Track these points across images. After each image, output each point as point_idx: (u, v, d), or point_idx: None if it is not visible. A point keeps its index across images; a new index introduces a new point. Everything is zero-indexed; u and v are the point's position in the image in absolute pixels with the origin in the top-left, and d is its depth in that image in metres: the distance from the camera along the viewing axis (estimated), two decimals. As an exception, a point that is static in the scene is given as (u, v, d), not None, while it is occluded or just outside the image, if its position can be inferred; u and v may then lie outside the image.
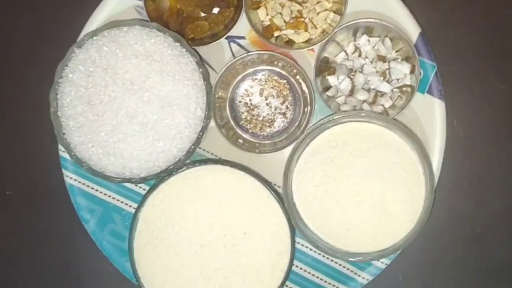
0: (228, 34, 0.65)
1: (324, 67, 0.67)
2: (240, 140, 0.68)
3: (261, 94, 0.68)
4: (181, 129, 0.62)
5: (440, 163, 0.65)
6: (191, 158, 0.64)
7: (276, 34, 0.66)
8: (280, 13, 0.66)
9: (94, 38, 0.63)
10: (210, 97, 0.64)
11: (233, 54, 0.68)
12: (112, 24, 0.63)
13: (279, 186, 0.66)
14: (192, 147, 0.63)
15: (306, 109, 0.67)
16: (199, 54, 0.64)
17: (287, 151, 0.64)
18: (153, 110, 0.62)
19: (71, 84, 0.62)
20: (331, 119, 0.62)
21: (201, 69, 0.63)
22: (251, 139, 0.68)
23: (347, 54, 0.67)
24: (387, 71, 0.65)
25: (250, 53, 0.66)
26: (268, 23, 0.67)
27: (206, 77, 0.63)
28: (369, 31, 0.65)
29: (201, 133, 0.63)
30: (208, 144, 0.67)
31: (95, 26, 0.66)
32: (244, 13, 0.64)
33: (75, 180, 0.68)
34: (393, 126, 0.61)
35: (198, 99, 0.63)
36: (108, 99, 0.62)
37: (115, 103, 0.62)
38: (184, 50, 0.63)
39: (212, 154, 0.68)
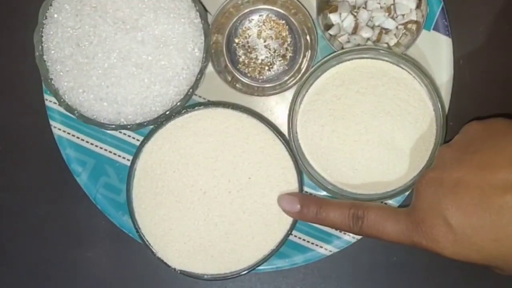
0: (222, -29, 0.62)
1: (325, 4, 0.64)
2: (238, 85, 0.65)
3: (258, 36, 0.65)
4: (178, 70, 0.59)
5: (447, 101, 0.63)
6: (188, 104, 0.61)
7: (274, -29, 0.63)
8: None
9: (80, -26, 0.58)
10: (208, 37, 0.60)
11: (227, -6, 0.65)
12: (99, -41, 0.59)
13: (283, 130, 0.63)
14: (191, 90, 0.59)
15: (307, 53, 0.64)
16: (194, -9, 0.60)
17: (289, 94, 0.61)
18: (148, 50, 0.58)
19: (57, 25, 0.58)
20: (335, 56, 0.59)
21: (197, 7, 0.59)
22: (251, 83, 0.65)
23: (349, -10, 0.64)
24: (391, 6, 0.62)
25: (245, -8, 0.63)
26: (265, -41, 0.63)
27: (203, 16, 0.59)
28: (372, -36, 0.62)
29: (199, 75, 0.59)
30: (205, 91, 0.64)
31: (80, -38, 0.61)
32: None
33: (64, 131, 0.64)
34: (401, 61, 0.59)
35: (196, 39, 0.59)
36: (99, 39, 0.57)
37: (106, 44, 0.57)
38: (178, -14, 0.59)
39: (209, 100, 0.65)
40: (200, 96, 0.64)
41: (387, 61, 0.59)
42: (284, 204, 0.58)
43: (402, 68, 0.59)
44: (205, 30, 0.60)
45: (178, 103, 0.60)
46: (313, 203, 0.57)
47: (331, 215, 0.56)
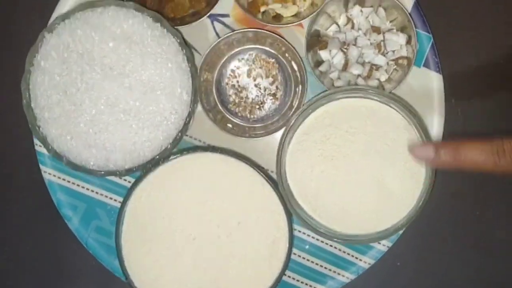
0: (211, 12, 0.61)
1: (315, 41, 0.63)
2: (229, 125, 0.64)
3: (248, 75, 0.65)
4: (167, 115, 0.58)
5: (439, 139, 0.62)
6: (178, 147, 0.60)
7: (262, 9, 0.62)
8: (266, -14, 0.62)
9: (66, 21, 0.58)
10: (196, 80, 0.60)
11: (217, 34, 0.64)
12: (85, 6, 0.59)
13: (272, 172, 0.62)
14: (179, 134, 0.59)
15: (297, 89, 0.64)
16: (181, 34, 0.60)
17: (280, 134, 0.60)
18: (136, 96, 0.58)
19: (44, 72, 0.58)
20: (324, 95, 0.59)
21: (184, 50, 0.59)
22: (241, 123, 0.65)
23: (339, 26, 0.63)
24: (382, 43, 0.62)
25: (234, 32, 0.62)
26: (254, -3, 0.63)
27: (190, 59, 0.59)
28: (361, 1, 0.62)
29: (188, 119, 0.59)
30: (195, 131, 0.63)
31: (66, 8, 0.62)
32: (227, -12, 0.60)
33: (54, 175, 0.64)
34: (390, 101, 0.58)
35: (183, 83, 0.59)
36: (86, 86, 0.57)
37: (94, 90, 0.57)
38: (165, 30, 0.59)
39: (200, 141, 0.64)
40: (190, 137, 0.64)
41: (376, 100, 0.58)
42: (417, 153, 0.55)
43: (391, 107, 0.58)
44: (193, 73, 0.59)
45: (168, 147, 0.59)
46: (448, 146, 0.53)
47: (472, 154, 0.50)
